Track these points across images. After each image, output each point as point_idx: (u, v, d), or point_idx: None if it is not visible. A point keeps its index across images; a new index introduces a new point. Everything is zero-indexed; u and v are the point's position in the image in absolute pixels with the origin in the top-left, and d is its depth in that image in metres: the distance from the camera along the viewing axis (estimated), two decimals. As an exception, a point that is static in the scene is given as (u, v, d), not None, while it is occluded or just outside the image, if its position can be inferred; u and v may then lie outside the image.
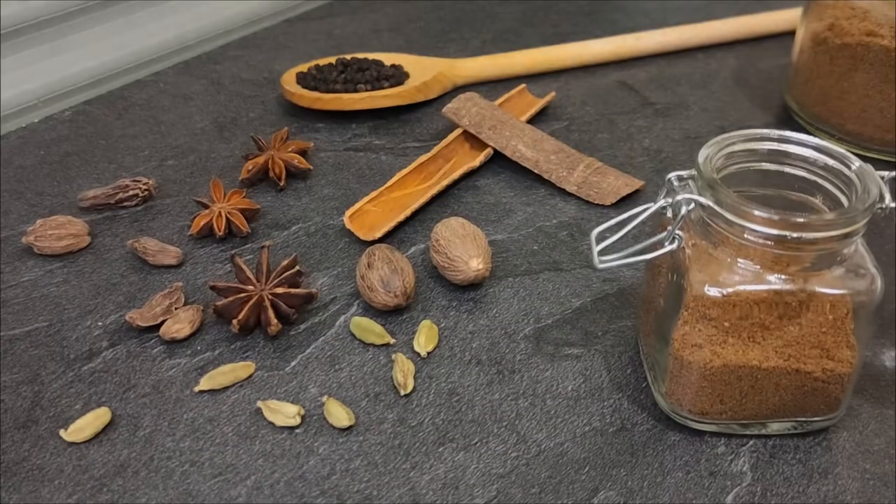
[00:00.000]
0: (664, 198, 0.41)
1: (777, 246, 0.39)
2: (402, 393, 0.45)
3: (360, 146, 0.66)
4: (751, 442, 0.43)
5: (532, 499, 0.40)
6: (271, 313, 0.47)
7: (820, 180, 0.42)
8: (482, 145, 0.64)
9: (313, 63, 0.72)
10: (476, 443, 0.43)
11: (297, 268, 0.50)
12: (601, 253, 0.43)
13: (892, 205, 0.40)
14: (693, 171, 0.41)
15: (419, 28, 0.85)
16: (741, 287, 0.40)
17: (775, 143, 0.42)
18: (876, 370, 0.47)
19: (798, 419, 0.43)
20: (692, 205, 0.40)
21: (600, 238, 0.44)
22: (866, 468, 0.42)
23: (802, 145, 0.42)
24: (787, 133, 0.42)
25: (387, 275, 0.49)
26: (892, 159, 0.64)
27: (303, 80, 0.70)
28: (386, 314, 0.50)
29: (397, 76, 0.70)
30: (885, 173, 0.42)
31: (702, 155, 0.41)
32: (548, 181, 0.62)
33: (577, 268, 0.54)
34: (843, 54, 0.64)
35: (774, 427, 0.44)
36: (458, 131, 0.65)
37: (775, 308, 0.40)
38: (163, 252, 0.53)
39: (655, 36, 0.80)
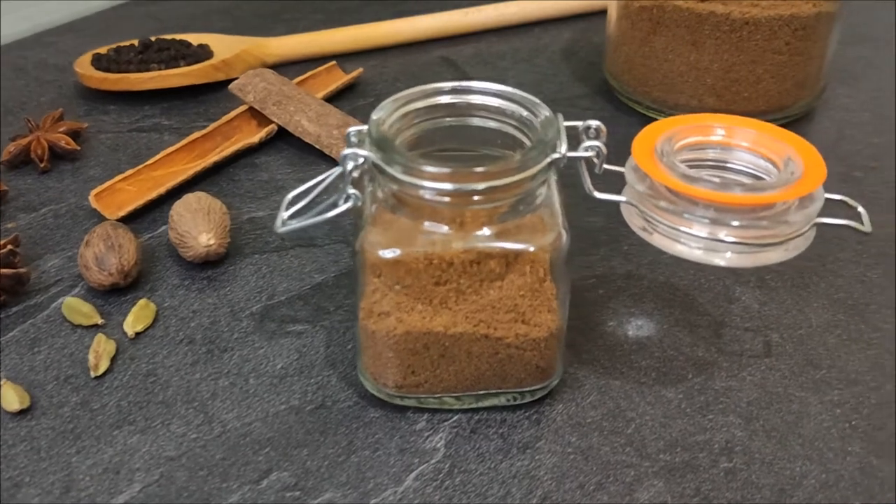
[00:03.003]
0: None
1: (456, 202, 0.36)
2: (94, 375, 0.42)
3: (146, 127, 0.63)
4: (455, 417, 0.40)
5: (197, 482, 0.37)
6: (-29, 295, 0.44)
7: (518, 134, 0.39)
8: (269, 122, 0.61)
9: (114, 45, 0.69)
10: (156, 425, 0.40)
11: (10, 248, 0.46)
12: (290, 217, 0.40)
13: (569, 153, 0.36)
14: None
15: (253, 10, 0.82)
16: (424, 249, 0.37)
17: (458, 96, 0.39)
18: (616, 340, 0.44)
19: (510, 391, 0.40)
20: (360, 160, 0.37)
21: (294, 202, 0.40)
22: (571, 441, 0.39)
23: (485, 94, 0.39)
24: (471, 83, 0.39)
25: (101, 252, 0.46)
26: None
27: (98, 61, 0.67)
28: (107, 294, 0.47)
29: (198, 56, 0.67)
30: (581, 123, 0.38)
31: (376, 112, 0.38)
32: (332, 157, 0.59)
33: (333, 243, 0.51)
34: (641, 17, 0.61)
35: (489, 400, 0.40)
36: (242, 108, 0.62)
37: (474, 271, 0.37)
38: None
39: (486, 11, 0.77)
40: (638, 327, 0.45)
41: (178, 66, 0.67)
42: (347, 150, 0.37)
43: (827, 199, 0.37)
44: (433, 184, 0.36)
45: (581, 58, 0.73)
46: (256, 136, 0.60)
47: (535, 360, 0.39)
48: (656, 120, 0.60)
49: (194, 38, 0.71)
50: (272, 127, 0.61)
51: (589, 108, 0.66)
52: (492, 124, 0.40)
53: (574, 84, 0.69)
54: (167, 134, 0.62)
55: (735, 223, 0.36)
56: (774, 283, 0.48)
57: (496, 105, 0.39)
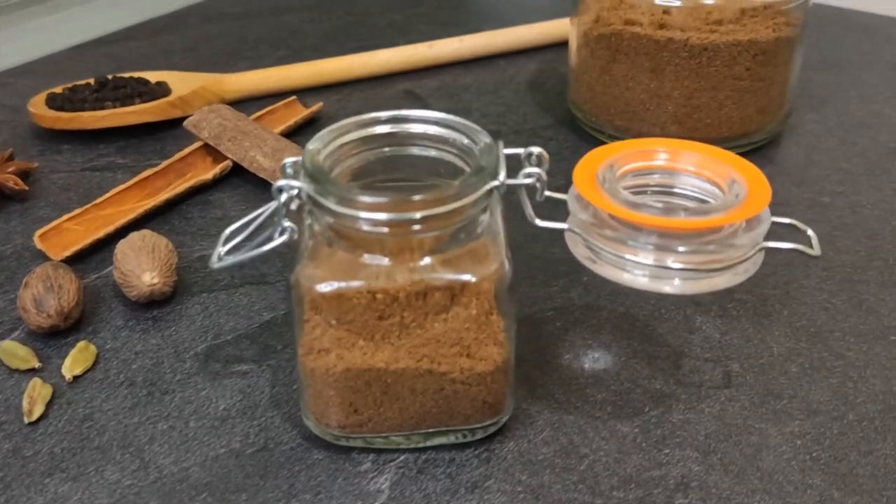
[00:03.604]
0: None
1: (395, 232, 0.35)
2: (27, 420, 0.40)
3: (99, 166, 0.62)
4: (402, 457, 0.39)
5: (128, 531, 0.36)
6: None
7: (460, 162, 0.38)
8: (225, 159, 0.60)
9: (71, 84, 0.68)
10: (90, 472, 0.38)
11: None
12: (227, 252, 0.38)
13: (508, 181, 0.35)
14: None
15: (216, 48, 0.81)
16: (365, 283, 0.35)
17: (397, 125, 0.38)
18: (571, 373, 0.43)
19: (459, 428, 0.39)
20: (294, 192, 0.36)
21: (233, 237, 0.39)
22: (521, 480, 0.37)
23: (425, 123, 0.38)
24: (409, 112, 0.38)
25: (40, 294, 0.44)
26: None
27: (52, 101, 0.66)
28: (47, 337, 0.45)
29: (155, 93, 0.67)
30: (522, 150, 0.37)
31: (311, 143, 0.37)
32: (288, 193, 0.57)
33: (284, 280, 0.49)
34: (601, 45, 0.60)
35: (437, 439, 0.39)
36: (197, 144, 0.61)
37: (419, 304, 0.36)
38: None
39: (450, 43, 0.76)
40: (595, 360, 0.44)
41: (134, 103, 0.66)
42: (281, 182, 0.36)
43: (777, 224, 0.36)
44: (370, 214, 0.35)
45: (547, 88, 0.73)
46: (210, 172, 0.59)
47: (483, 396, 0.38)
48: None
49: (153, 76, 0.70)
50: (227, 163, 0.60)
51: (552, 138, 0.65)
52: (432, 153, 0.39)
53: (539, 115, 0.68)
54: (121, 172, 0.61)
55: (681, 249, 0.35)
56: (736, 312, 0.47)
57: (435, 133, 0.38)
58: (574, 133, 0.65)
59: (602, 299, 0.48)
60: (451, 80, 0.74)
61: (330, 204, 0.35)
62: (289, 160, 0.38)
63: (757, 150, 0.61)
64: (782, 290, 0.48)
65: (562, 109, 0.68)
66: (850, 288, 0.48)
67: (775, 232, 0.36)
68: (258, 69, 0.73)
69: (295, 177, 0.37)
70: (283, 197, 0.36)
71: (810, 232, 0.36)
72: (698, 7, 0.56)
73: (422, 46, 0.75)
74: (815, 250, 0.35)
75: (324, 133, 0.38)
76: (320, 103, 0.68)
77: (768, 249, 0.36)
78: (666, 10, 0.57)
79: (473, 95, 0.71)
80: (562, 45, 0.78)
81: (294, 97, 0.69)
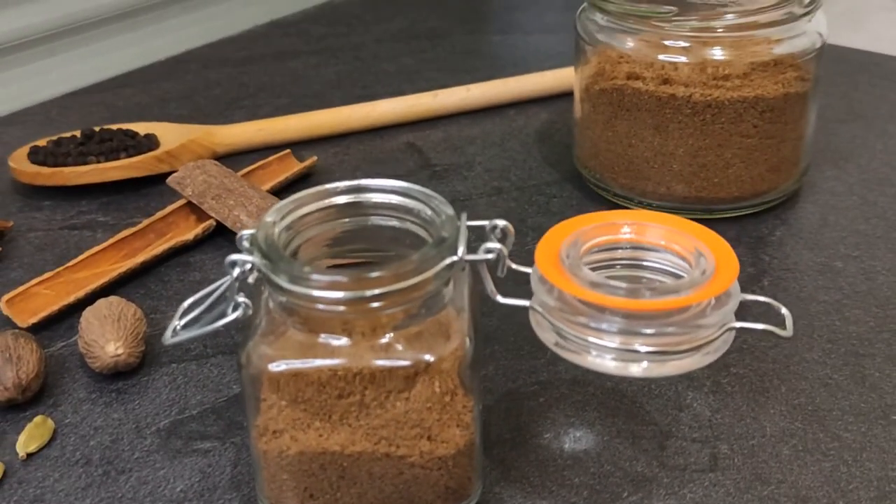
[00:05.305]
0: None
1: (353, 310, 0.36)
2: (-25, 502, 0.42)
3: (79, 224, 0.64)
4: (361, 544, 0.39)
5: None
6: None
7: (424, 233, 0.40)
8: (209, 217, 0.61)
9: (56, 136, 0.70)
10: (35, 556, 0.39)
11: None
12: (184, 327, 0.40)
13: (468, 257, 0.37)
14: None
15: (213, 96, 0.83)
16: (317, 362, 0.37)
17: (357, 195, 0.39)
18: (550, 454, 0.43)
19: (418, 516, 0.39)
20: (248, 265, 0.37)
21: (191, 309, 0.41)
22: (484, 571, 0.38)
23: (385, 192, 0.39)
24: (368, 182, 0.39)
25: (-2, 365, 0.46)
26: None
27: (35, 154, 0.68)
28: (3, 410, 0.47)
29: (142, 146, 0.68)
30: (487, 223, 0.39)
31: (269, 215, 0.38)
32: (271, 254, 0.59)
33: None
34: (602, 101, 0.61)
35: (399, 526, 0.40)
36: (180, 202, 0.62)
37: (380, 383, 0.37)
38: None
39: (456, 93, 0.77)
40: (576, 439, 0.45)
41: (119, 157, 0.67)
42: (234, 256, 0.37)
43: (752, 301, 0.37)
44: (324, 293, 0.36)
45: (556, 141, 0.74)
46: (191, 232, 0.60)
47: (444, 481, 0.39)
48: (624, 209, 0.60)
49: (142, 128, 0.72)
50: (210, 223, 0.61)
51: (556, 195, 0.66)
52: (395, 223, 0.40)
53: (545, 170, 0.69)
54: (101, 231, 0.63)
55: (648, 331, 0.35)
56: (731, 388, 0.47)
57: (397, 203, 0.40)
58: (579, 190, 0.66)
59: (590, 374, 0.48)
60: (456, 131, 0.76)
61: (282, 282, 0.36)
62: (246, 232, 0.39)
63: (770, 211, 0.61)
64: (782, 364, 0.48)
65: (569, 164, 0.69)
66: (855, 362, 0.48)
67: (751, 308, 0.37)
68: (253, 120, 0.74)
69: (251, 250, 0.38)
70: (236, 272, 0.37)
71: (784, 311, 0.37)
72: (705, 62, 0.57)
73: (426, 96, 0.77)
74: (788, 331, 0.36)
75: (283, 204, 0.39)
76: (314, 157, 0.69)
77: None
78: (671, 65, 0.58)
79: (478, 148, 0.73)
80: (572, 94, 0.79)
81: (288, 150, 0.70)
